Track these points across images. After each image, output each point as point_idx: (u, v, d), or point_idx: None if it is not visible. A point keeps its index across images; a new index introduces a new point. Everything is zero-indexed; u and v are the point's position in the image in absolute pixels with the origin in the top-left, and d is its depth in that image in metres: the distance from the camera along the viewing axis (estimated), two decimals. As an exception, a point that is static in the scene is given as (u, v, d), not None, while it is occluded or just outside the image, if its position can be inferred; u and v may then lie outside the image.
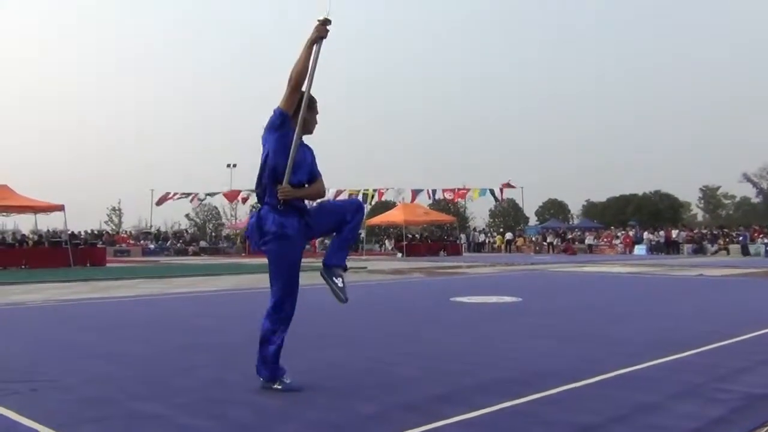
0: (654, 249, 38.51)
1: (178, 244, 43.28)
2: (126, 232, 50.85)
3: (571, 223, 69.02)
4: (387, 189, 45.62)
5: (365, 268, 21.69)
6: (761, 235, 36.25)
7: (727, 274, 17.53)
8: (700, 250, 36.63)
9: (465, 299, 10.03)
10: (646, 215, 63.31)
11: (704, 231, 41.22)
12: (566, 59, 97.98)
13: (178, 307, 9.54)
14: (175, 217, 70.32)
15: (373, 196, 44.12)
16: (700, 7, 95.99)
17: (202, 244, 44.76)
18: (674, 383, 4.20)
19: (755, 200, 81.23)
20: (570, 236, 44.58)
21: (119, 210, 63.99)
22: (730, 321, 7.41)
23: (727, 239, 37.56)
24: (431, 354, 5.33)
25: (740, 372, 4.56)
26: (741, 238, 36.02)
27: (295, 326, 6.99)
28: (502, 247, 45.60)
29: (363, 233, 43.19)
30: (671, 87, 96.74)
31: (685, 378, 4.35)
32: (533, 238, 46.78)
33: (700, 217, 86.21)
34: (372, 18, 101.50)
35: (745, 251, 34.46)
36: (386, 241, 46.51)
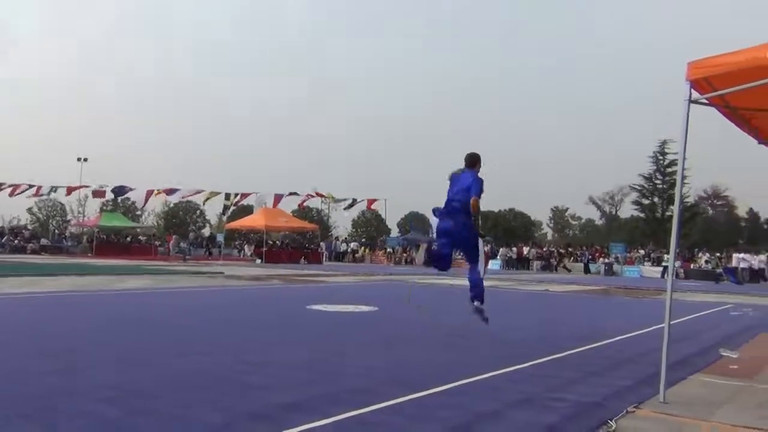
0: (507, 264, 40.56)
1: (16, 241, 40.01)
2: (-47, 225, 46.29)
3: (431, 236, 70.90)
4: (249, 194, 44.89)
5: (222, 273, 21.12)
6: (602, 255, 39.32)
7: (570, 290, 18.80)
8: (547, 267, 39.04)
9: (322, 307, 10.03)
10: (502, 231, 66.52)
11: (552, 249, 44.00)
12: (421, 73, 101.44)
13: (13, 310, 8.81)
14: (15, 211, 65.13)
15: (235, 196, 43.26)
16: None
17: (44, 242, 41.66)
18: (514, 392, 4.45)
19: (599, 222, 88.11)
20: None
21: (-53, 200, 58.18)
22: (568, 334, 7.94)
23: (572, 257, 40.37)
24: (283, 362, 5.29)
25: (573, 382, 4.91)
26: (584, 257, 38.84)
27: (136, 334, 6.70)
28: (366, 256, 46.28)
29: (221, 237, 42.21)
30: (526, 113, 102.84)
31: (524, 387, 4.62)
32: (391, 249, 47.69)
33: (549, 236, 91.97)
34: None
35: (586, 269, 37.20)
36: (245, 247, 45.60)
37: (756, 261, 32.22)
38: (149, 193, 41.97)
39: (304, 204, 48.88)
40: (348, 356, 5.73)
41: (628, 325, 9.18)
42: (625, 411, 4.11)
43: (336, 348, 6.16)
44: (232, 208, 48.24)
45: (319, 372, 4.92)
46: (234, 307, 10.27)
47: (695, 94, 4.73)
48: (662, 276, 34.41)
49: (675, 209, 4.70)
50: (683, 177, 4.81)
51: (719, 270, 31.84)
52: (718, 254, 37.48)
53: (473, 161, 7.25)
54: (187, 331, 7.05)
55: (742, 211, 75.16)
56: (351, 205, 46.68)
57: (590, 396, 4.44)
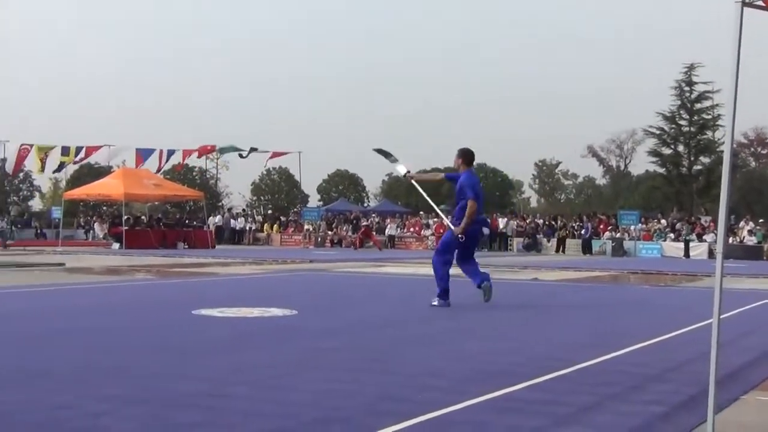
0: (475, 243, 40.99)
1: None
2: None
3: (366, 205, 71.30)
4: (99, 147, 43.87)
5: (62, 265, 20.67)
6: (607, 228, 40.04)
7: (567, 278, 19.11)
8: (533, 246, 39.62)
9: (215, 312, 9.89)
10: (467, 197, 67.40)
11: (539, 220, 44.64)
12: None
13: None
14: None
15: (78, 151, 42.03)
16: None
17: None
18: (502, 429, 4.42)
19: (602, 181, 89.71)
20: (365, 223, 46.00)
21: None
22: (571, 342, 8.01)
23: (566, 232, 41.06)
24: (155, 395, 5.13)
25: (587, 410, 4.92)
26: (583, 232, 39.53)
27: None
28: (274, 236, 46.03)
29: (58, 213, 41.26)
30: (496, 35, 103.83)
31: (516, 421, 4.59)
32: (310, 226, 47.46)
33: (534, 202, 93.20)
34: None
35: (586, 248, 37.87)
36: (96, 225, 44.73)
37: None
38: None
39: (183, 163, 48.04)
40: (256, 384, 5.60)
41: (650, 326, 9.37)
42: (660, 449, 4.14)
43: (237, 373, 6.03)
44: (73, 166, 46.96)
45: (210, 409, 4.78)
46: (79, 315, 10.01)
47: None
48: (686, 255, 35.45)
49: (725, 163, 4.64)
50: (734, 113, 4.75)
51: None
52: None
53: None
54: (2, 355, 6.83)
55: (795, 163, 77.71)
56: (249, 153, 46.04)
57: (612, 429, 4.46)
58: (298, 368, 6.26)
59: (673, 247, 36.72)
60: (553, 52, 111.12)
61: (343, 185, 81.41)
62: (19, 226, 43.08)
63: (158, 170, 43.11)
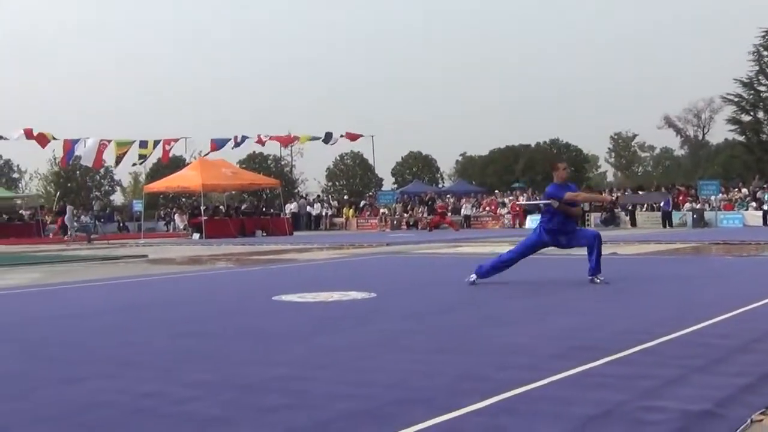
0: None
1: None
2: None
3: (441, 185, 71.10)
4: (177, 140, 44.59)
5: (145, 256, 21.09)
6: (687, 199, 39.28)
7: (647, 251, 18.83)
8: (611, 221, 39.08)
9: (295, 297, 10.00)
10: (541, 174, 66.57)
11: (617, 194, 44.00)
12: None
13: None
14: None
15: (155, 145, 42.76)
16: None
17: None
18: (587, 404, 4.38)
19: (679, 152, 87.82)
20: (440, 206, 45.91)
21: None
22: (654, 315, 7.89)
23: (644, 205, 40.43)
24: (240, 381, 5.21)
25: (672, 383, 4.84)
26: (662, 204, 38.81)
27: (13, 353, 6.61)
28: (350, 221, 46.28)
29: (139, 206, 42.06)
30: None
31: (601, 395, 4.55)
32: (386, 209, 47.59)
33: (610, 176, 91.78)
34: None
35: (666, 221, 37.20)
36: (176, 217, 45.50)
37: None
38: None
39: (260, 140, 48.57)
40: (338, 367, 5.65)
41: (733, 296, 9.19)
42: (749, 421, 4.07)
43: (319, 357, 6.09)
44: (151, 159, 47.78)
45: (293, 393, 4.84)
46: (163, 304, 10.21)
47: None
48: (765, 223, 34.61)
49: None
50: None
51: None
52: None
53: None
54: (95, 342, 7.00)
55: None
56: (330, 141, 46.51)
57: (698, 402, 4.38)
58: (380, 350, 6.30)
59: (756, 216, 35.90)
60: (624, 24, 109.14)
61: (416, 167, 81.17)
62: (102, 220, 44.06)
63: (235, 145, 43.65)
